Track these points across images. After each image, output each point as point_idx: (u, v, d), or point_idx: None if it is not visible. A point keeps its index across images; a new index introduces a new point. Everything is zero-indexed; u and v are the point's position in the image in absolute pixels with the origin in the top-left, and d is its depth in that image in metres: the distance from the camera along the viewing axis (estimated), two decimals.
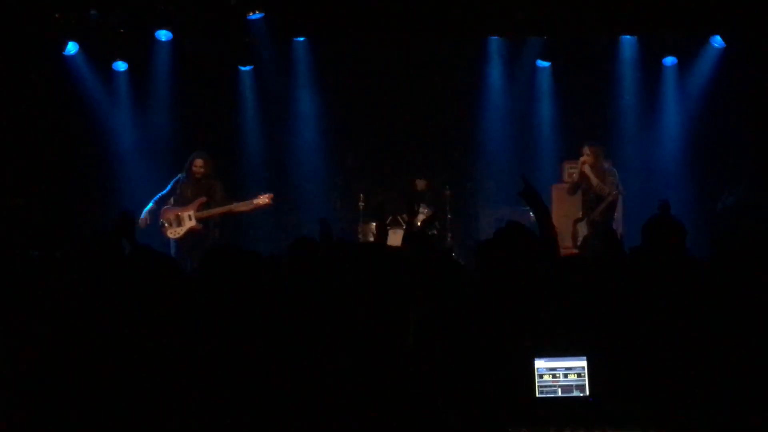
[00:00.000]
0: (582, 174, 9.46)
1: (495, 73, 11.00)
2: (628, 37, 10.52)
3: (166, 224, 9.23)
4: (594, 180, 9.33)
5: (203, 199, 9.27)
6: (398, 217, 10.18)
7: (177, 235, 9.21)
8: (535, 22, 5.13)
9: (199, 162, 9.29)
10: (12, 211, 9.22)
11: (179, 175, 9.35)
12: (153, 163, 10.42)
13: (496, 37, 10.55)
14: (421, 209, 10.20)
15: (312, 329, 3.04)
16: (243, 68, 10.88)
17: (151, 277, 3.49)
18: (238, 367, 2.74)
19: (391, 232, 9.35)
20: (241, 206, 9.35)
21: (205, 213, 9.28)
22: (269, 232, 10.35)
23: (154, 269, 3.49)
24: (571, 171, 10.29)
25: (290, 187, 10.89)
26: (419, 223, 10.10)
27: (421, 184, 10.36)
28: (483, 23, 4.99)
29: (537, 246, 3.74)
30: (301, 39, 10.57)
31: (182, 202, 9.28)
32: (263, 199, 9.30)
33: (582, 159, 9.45)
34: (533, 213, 4.00)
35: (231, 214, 9.50)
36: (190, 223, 9.22)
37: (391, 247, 2.58)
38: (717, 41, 10.30)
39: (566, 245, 8.97)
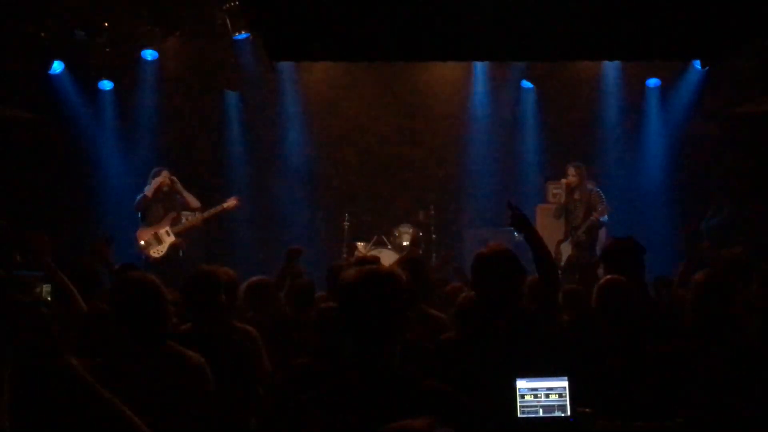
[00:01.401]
0: (567, 191, 9.50)
1: (479, 94, 11.08)
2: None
3: (145, 245, 9.20)
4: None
5: (174, 214, 9.26)
6: (382, 237, 10.20)
7: (161, 254, 9.17)
8: (519, 48, 5.19)
9: (167, 173, 9.22)
10: None
11: (142, 195, 9.23)
12: (137, 182, 10.39)
13: (480, 62, 10.66)
14: (404, 228, 10.23)
15: None
16: (230, 89, 10.90)
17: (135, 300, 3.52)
18: None
19: (377, 252, 9.38)
20: (211, 212, 9.36)
21: (182, 227, 9.29)
22: (254, 253, 10.33)
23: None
24: (555, 191, 10.33)
25: (274, 207, 10.89)
26: (405, 243, 10.19)
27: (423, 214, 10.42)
28: (468, 48, 5.05)
29: (520, 269, 3.76)
30: (287, 61, 10.62)
31: (154, 221, 9.23)
32: (231, 202, 9.34)
33: (566, 181, 9.49)
34: (525, 239, 4.02)
35: (204, 222, 9.49)
36: (169, 239, 9.20)
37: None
38: (699, 63, 10.41)
39: None
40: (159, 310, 3.54)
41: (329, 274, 5.44)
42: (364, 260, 5.38)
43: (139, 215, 9.27)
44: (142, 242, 9.18)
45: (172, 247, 9.20)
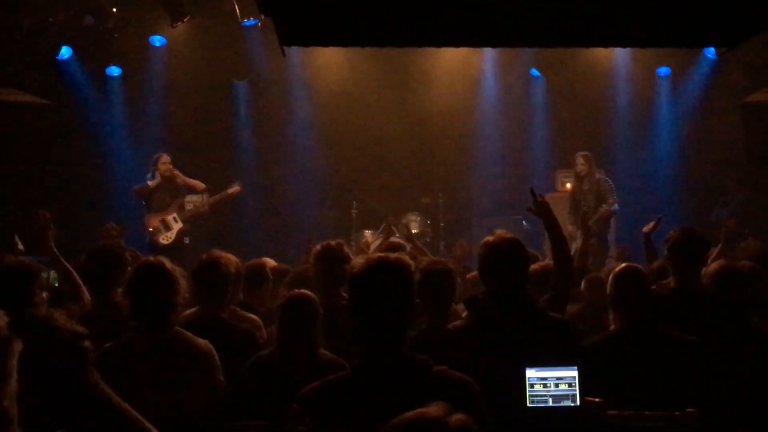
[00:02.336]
0: (577, 179, 9.44)
1: (489, 82, 11.01)
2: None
3: (154, 232, 9.18)
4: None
5: (180, 200, 9.28)
6: (391, 226, 10.16)
7: (169, 240, 9.18)
8: (529, 34, 5.12)
9: (166, 159, 9.20)
10: (3, 217, 9.16)
11: (143, 184, 9.23)
12: (145, 169, 10.37)
13: (490, 48, 10.58)
14: (412, 216, 10.19)
15: None
16: (238, 77, 10.87)
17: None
18: None
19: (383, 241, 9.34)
20: (216, 198, 9.39)
21: (189, 213, 9.30)
22: (261, 240, 10.31)
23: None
24: (564, 180, 10.27)
25: (282, 194, 10.86)
26: (413, 231, 10.14)
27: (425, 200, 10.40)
28: (477, 33, 4.98)
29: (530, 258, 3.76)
30: (298, 47, 10.55)
31: (161, 207, 9.22)
32: (234, 188, 9.39)
33: (576, 170, 9.43)
34: (545, 227, 4.03)
35: (211, 209, 9.50)
36: (177, 225, 9.22)
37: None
38: (710, 52, 10.32)
39: None
40: (173, 298, 3.55)
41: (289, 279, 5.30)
42: (394, 246, 5.33)
43: (144, 203, 9.26)
44: (151, 229, 9.17)
45: (180, 234, 9.20)
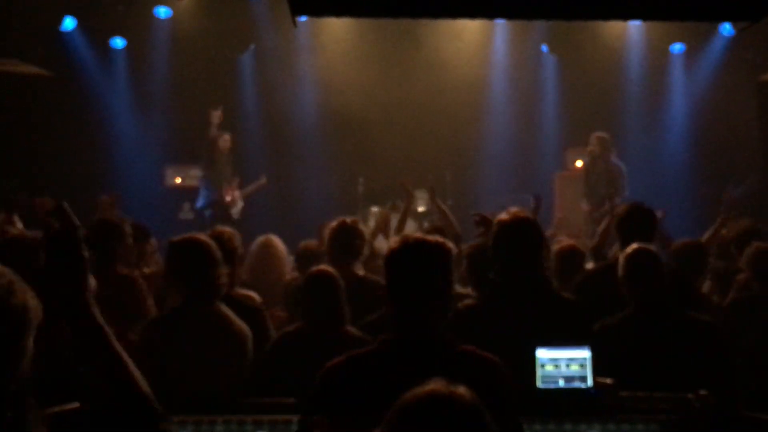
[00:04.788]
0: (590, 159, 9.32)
1: (499, 58, 10.85)
2: (636, 22, 10.37)
3: (232, 203, 9.28)
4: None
5: (238, 178, 9.45)
6: (398, 203, 10.04)
7: (238, 215, 9.31)
8: (542, 5, 4.99)
9: (228, 137, 9.28)
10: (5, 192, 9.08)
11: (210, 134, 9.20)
12: (150, 142, 10.28)
13: (501, 21, 10.41)
14: (419, 193, 10.07)
15: None
16: (244, 49, 10.74)
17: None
18: None
19: (391, 217, 9.23)
20: (247, 191, 9.59)
21: (247, 190, 9.49)
22: (268, 215, 10.22)
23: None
24: (574, 158, 10.15)
25: (288, 169, 10.75)
26: (420, 209, 10.04)
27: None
28: (490, 5, 4.86)
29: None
30: (303, 18, 10.39)
31: (228, 178, 9.29)
32: (262, 181, 9.66)
33: (589, 149, 9.28)
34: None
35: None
36: (241, 203, 9.41)
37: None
38: (726, 29, 10.15)
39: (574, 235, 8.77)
40: (211, 270, 3.53)
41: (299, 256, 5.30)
42: (437, 230, 5.27)
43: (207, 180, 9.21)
44: (229, 199, 9.21)
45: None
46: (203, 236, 3.69)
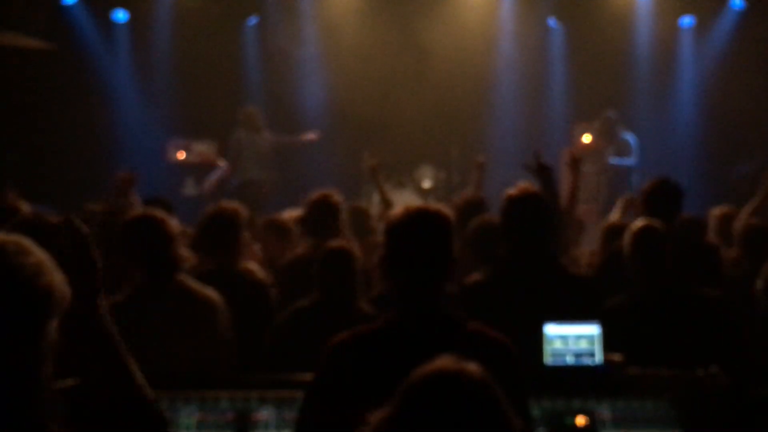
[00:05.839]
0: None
1: (506, 33, 10.73)
2: None
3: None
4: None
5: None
6: (402, 179, 9.99)
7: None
8: None
9: (257, 111, 9.49)
10: (6, 167, 9.04)
11: (235, 135, 9.39)
12: (153, 117, 10.20)
13: None
14: (425, 169, 10.02)
15: None
16: (249, 21, 10.64)
17: None
18: None
19: (396, 193, 9.17)
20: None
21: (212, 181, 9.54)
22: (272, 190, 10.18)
23: None
24: (582, 133, 10.09)
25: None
26: (425, 186, 9.98)
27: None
28: None
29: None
30: None
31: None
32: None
33: (596, 125, 9.26)
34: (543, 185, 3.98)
35: None
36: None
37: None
38: (736, 2, 10.04)
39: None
40: (167, 246, 3.44)
41: (353, 214, 5.31)
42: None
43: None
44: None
45: None
46: (157, 212, 3.57)
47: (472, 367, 1.58)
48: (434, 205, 2.46)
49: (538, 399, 2.87)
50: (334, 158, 10.47)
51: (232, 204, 4.38)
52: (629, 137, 9.31)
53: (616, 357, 3.21)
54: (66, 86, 9.86)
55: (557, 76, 10.84)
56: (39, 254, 1.57)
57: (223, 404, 2.88)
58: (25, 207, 4.32)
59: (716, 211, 5.62)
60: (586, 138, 9.86)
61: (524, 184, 3.81)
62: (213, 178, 9.41)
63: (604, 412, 2.92)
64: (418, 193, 9.86)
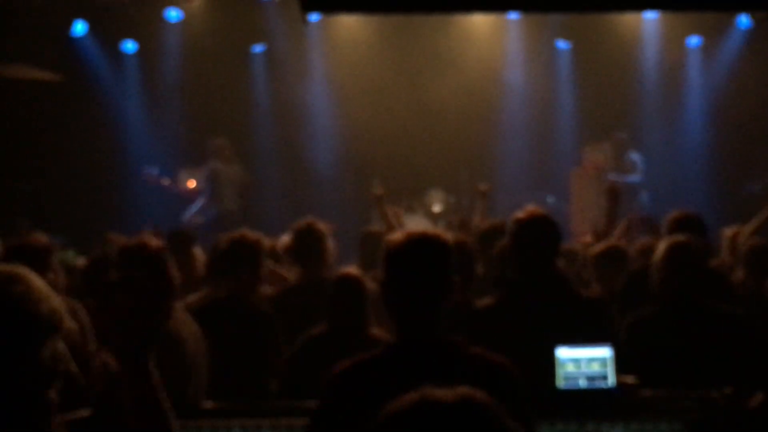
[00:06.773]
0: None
1: (514, 55, 10.75)
2: (652, 16, 10.27)
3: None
4: None
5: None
6: (413, 203, 9.98)
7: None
8: None
9: (227, 143, 9.48)
10: (17, 196, 9.09)
11: (210, 166, 9.34)
12: (163, 146, 10.25)
13: (515, 16, 10.33)
14: (434, 193, 10.01)
15: None
16: (255, 49, 10.70)
17: None
18: None
19: (407, 218, 9.17)
20: None
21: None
22: (282, 216, 10.17)
23: None
24: (591, 155, 10.07)
25: (301, 169, 10.70)
26: (435, 210, 9.97)
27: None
28: None
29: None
30: (315, 18, 10.35)
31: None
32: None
33: (606, 145, 9.28)
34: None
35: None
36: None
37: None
38: (743, 22, 10.05)
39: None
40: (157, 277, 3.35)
41: (362, 240, 5.33)
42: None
43: None
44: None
45: None
46: (153, 240, 3.47)
47: (478, 394, 1.55)
48: (433, 230, 2.46)
49: (551, 423, 2.84)
50: (346, 184, 10.48)
51: (253, 233, 4.31)
52: (635, 156, 9.31)
53: (629, 379, 3.18)
54: (75, 117, 9.93)
55: (566, 97, 10.84)
56: (28, 281, 1.62)
57: None
58: (42, 237, 4.34)
59: (728, 231, 5.60)
60: (597, 158, 9.86)
61: (532, 206, 3.79)
62: (194, 209, 9.45)
63: None
64: (428, 217, 9.85)
